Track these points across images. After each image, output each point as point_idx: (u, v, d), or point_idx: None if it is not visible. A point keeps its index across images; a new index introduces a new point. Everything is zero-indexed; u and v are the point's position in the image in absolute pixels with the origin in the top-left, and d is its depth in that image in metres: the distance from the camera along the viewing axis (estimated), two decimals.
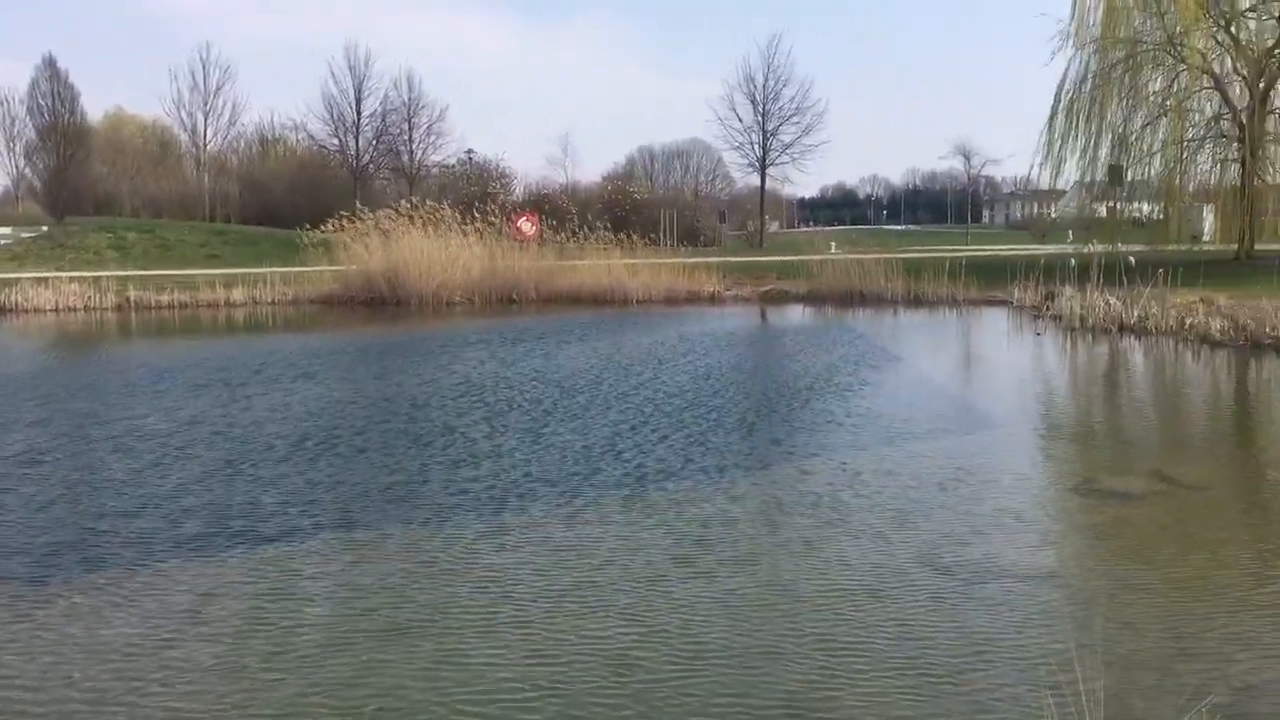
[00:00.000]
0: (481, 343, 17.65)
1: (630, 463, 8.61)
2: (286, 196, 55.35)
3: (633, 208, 50.21)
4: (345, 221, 28.39)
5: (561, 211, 36.85)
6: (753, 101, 57.27)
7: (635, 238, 30.99)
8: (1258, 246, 28.18)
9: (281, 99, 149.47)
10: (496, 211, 30.99)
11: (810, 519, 6.94)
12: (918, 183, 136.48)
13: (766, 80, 56.95)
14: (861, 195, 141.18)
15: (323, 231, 29.18)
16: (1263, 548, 6.33)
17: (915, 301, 24.80)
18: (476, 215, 28.88)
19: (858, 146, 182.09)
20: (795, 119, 57.16)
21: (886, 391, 12.19)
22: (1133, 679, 4.48)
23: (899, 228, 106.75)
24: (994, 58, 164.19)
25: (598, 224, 32.72)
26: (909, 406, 11.21)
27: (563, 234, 32.17)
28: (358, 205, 29.73)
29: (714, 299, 27.05)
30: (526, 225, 35.41)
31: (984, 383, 13.68)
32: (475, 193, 45.25)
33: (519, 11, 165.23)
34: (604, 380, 13.16)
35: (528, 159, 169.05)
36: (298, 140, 62.47)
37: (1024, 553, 6.21)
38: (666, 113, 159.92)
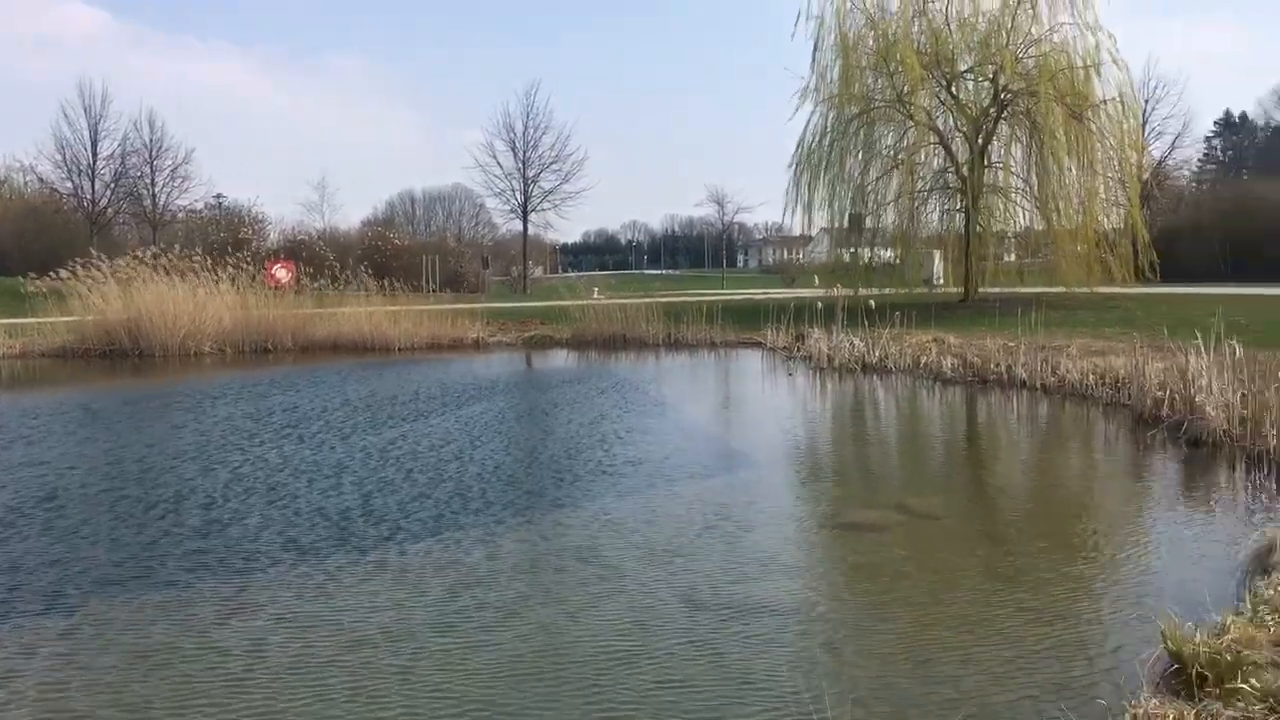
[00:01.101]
0: (229, 396, 16.61)
1: (387, 522, 8.24)
2: (13, 242, 50.83)
3: (394, 253, 49.29)
4: (79, 269, 26.22)
5: (319, 258, 35.54)
6: (513, 148, 58.01)
7: (397, 284, 30.31)
8: (981, 289, 30.72)
9: (7, 140, 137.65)
10: (249, 258, 29.53)
11: (573, 572, 6.84)
12: (676, 228, 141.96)
13: (526, 128, 57.83)
14: (623, 241, 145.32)
15: (53, 280, 26.86)
16: (994, 571, 6.77)
17: (676, 345, 25.45)
18: (228, 262, 27.40)
19: (618, 194, 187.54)
20: (555, 166, 58.40)
21: (649, 437, 12.33)
22: (881, 711, 4.63)
23: (659, 272, 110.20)
24: (746, 110, 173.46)
25: (358, 270, 31.82)
26: (672, 451, 11.36)
27: (321, 281, 31.04)
28: (94, 252, 27.45)
29: (478, 345, 26.77)
30: (281, 272, 33.97)
31: (741, 424, 14.10)
32: (226, 239, 43.10)
33: (267, 53, 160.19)
34: (359, 433, 12.64)
35: (283, 204, 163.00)
36: (26, 183, 57.89)
37: (780, 591, 6.35)
38: (427, 158, 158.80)
